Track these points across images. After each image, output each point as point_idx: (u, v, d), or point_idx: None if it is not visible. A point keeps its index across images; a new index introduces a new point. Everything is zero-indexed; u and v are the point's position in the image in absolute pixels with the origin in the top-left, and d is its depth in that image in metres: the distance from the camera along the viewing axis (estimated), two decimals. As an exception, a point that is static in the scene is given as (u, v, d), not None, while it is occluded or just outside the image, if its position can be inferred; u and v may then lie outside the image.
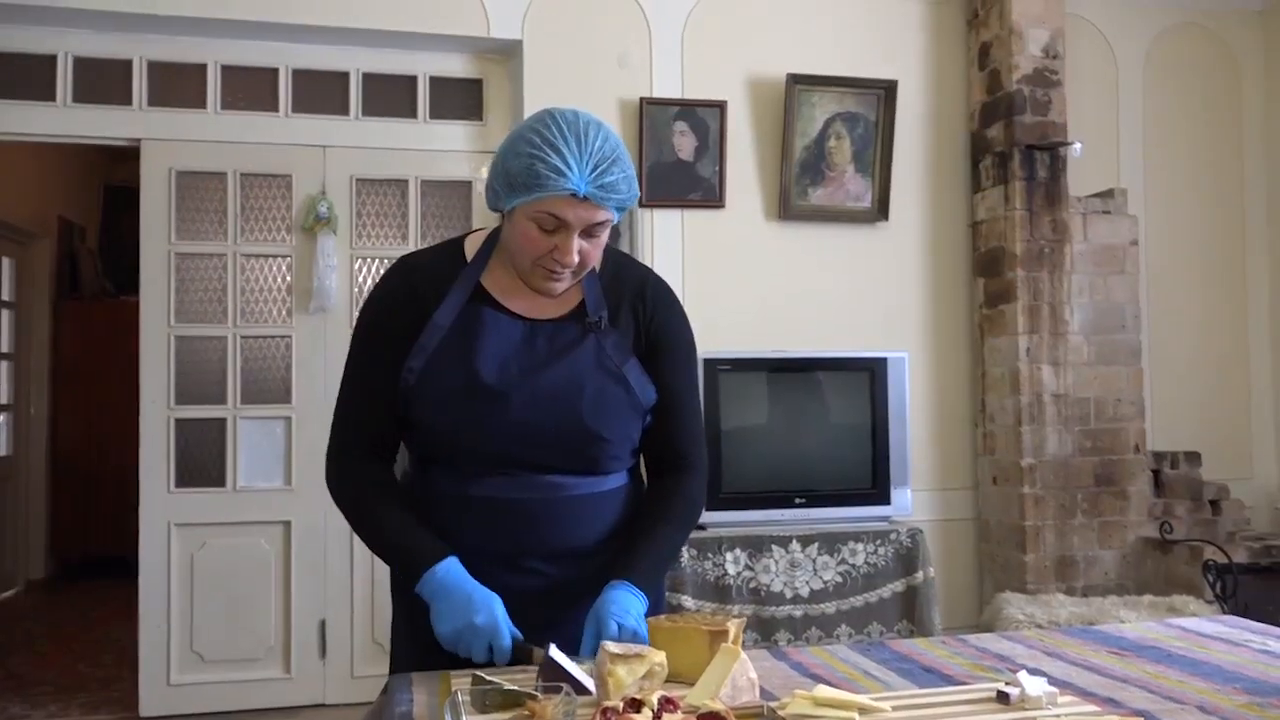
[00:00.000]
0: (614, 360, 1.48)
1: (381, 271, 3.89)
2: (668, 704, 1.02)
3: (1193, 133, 4.47)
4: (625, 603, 1.39)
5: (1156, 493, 4.07)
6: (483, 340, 1.45)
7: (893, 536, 3.52)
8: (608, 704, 1.02)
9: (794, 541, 3.45)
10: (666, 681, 1.23)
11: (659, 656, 1.22)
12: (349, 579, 3.79)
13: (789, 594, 3.43)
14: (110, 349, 5.94)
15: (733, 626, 1.30)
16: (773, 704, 1.18)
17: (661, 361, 1.52)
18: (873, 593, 3.49)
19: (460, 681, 1.29)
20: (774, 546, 3.44)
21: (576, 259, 1.41)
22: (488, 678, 1.17)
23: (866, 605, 3.48)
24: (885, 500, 3.63)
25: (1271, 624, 1.67)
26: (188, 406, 3.74)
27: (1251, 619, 1.73)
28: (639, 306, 1.52)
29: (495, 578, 1.43)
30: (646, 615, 1.40)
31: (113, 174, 6.83)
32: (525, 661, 1.36)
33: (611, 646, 1.19)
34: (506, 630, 1.37)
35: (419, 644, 1.46)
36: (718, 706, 1.02)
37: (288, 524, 3.77)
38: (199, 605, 3.69)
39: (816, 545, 3.47)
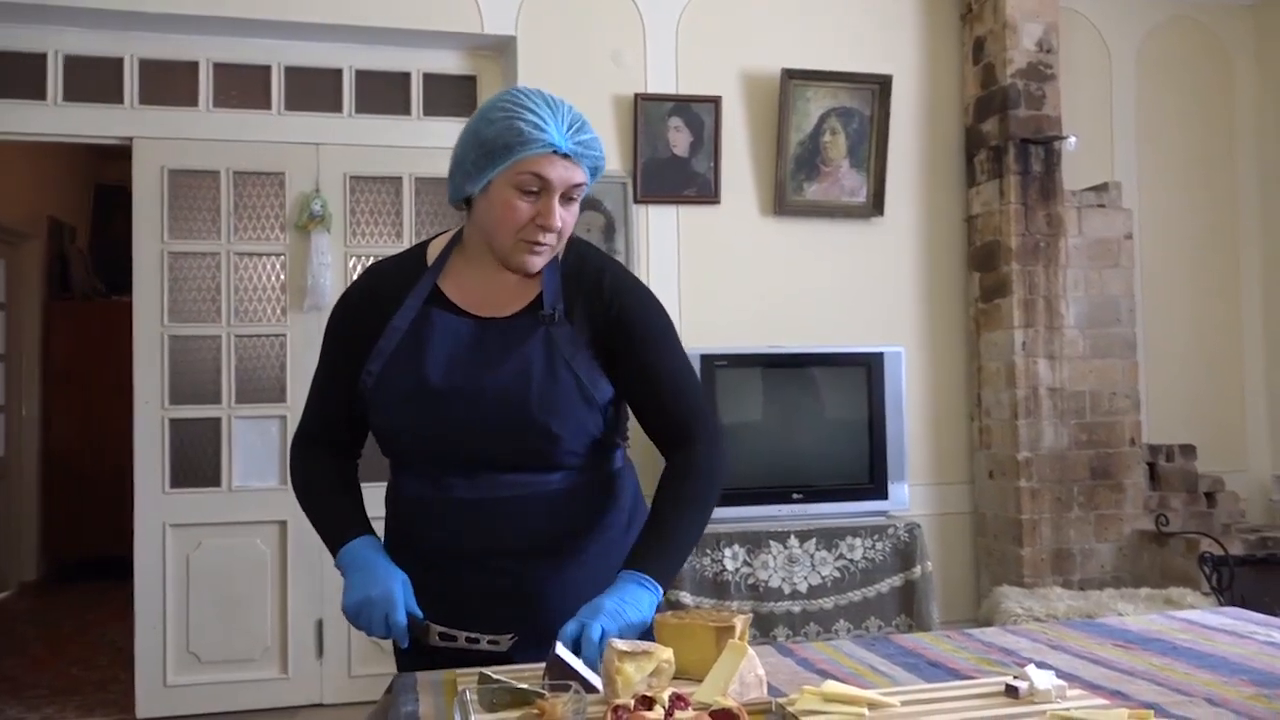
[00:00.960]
0: (565, 352, 1.47)
1: (376, 269, 3.89)
2: (679, 701, 1.01)
3: (1186, 126, 4.48)
4: (629, 598, 1.35)
5: (1152, 486, 4.08)
6: (432, 343, 1.47)
7: (890, 531, 3.52)
8: (619, 702, 1.01)
9: (792, 537, 3.45)
10: (673, 679, 1.23)
11: (666, 654, 1.21)
12: (345, 578, 3.77)
13: (787, 589, 3.43)
14: (102, 349, 5.92)
15: (739, 623, 1.30)
16: (781, 700, 1.18)
17: (634, 345, 1.50)
18: (871, 588, 3.49)
19: (466, 680, 1.28)
20: (772, 542, 3.44)
21: (559, 223, 1.42)
22: (494, 676, 1.16)
23: (865, 600, 3.48)
24: (883, 495, 3.63)
25: (1270, 615, 1.67)
26: (182, 406, 3.72)
27: (1248, 610, 1.74)
28: (596, 301, 1.50)
29: (463, 577, 1.47)
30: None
31: (103, 173, 6.79)
32: (423, 640, 1.40)
33: (619, 644, 1.19)
34: (401, 604, 1.40)
35: (422, 645, 1.46)
36: (730, 703, 1.01)
37: (283, 523, 3.75)
38: (195, 606, 3.67)
39: (815, 540, 3.47)
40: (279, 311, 3.81)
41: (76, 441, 6.20)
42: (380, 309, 1.50)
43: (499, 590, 1.48)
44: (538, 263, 1.46)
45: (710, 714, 0.98)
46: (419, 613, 1.42)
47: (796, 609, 3.43)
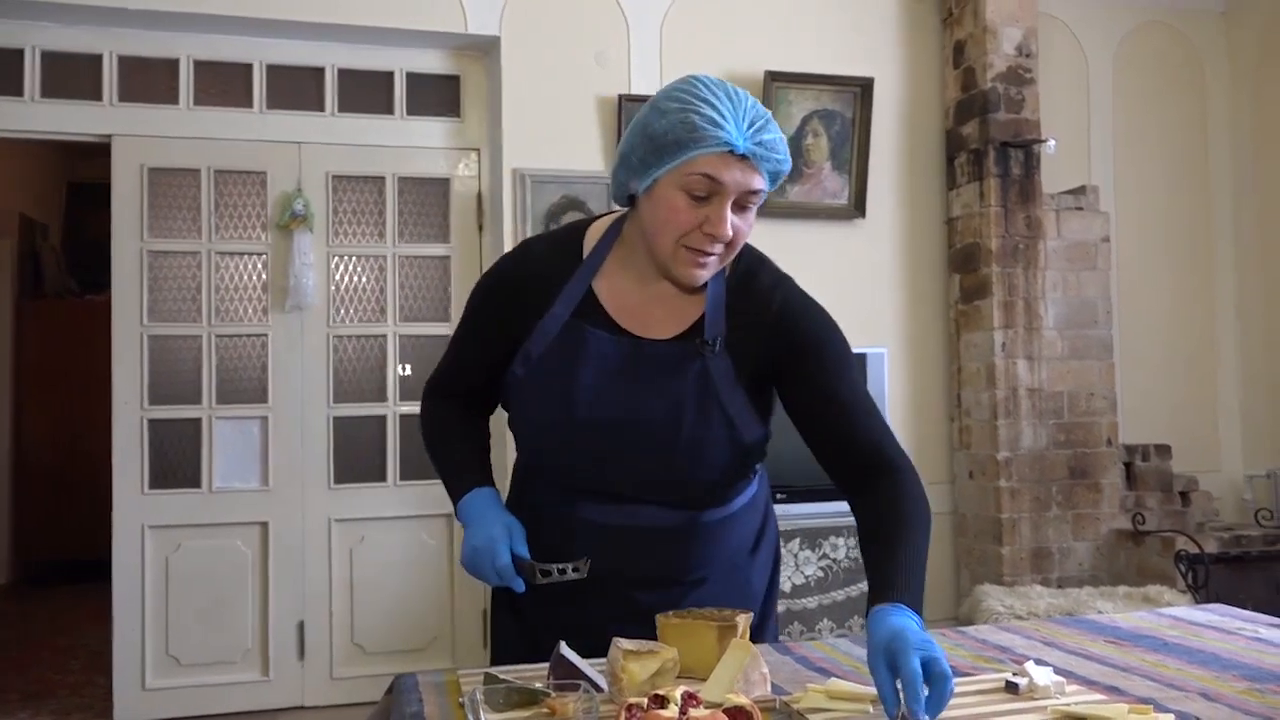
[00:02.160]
0: (720, 389, 1.35)
1: (360, 270, 3.87)
2: (691, 700, 1.02)
3: (1160, 130, 4.55)
4: (912, 631, 1.13)
5: (1128, 485, 4.14)
6: (582, 363, 1.37)
7: (873, 531, 3.55)
8: (633, 700, 1.01)
9: (776, 537, 3.47)
10: (677, 677, 1.23)
11: (671, 652, 1.22)
12: (327, 580, 3.76)
13: (772, 589, 3.44)
14: (76, 348, 5.84)
15: (741, 621, 1.30)
16: (786, 698, 1.19)
17: (815, 373, 1.37)
18: (854, 586, 3.52)
19: (470, 680, 1.28)
20: (756, 542, 3.45)
21: (730, 233, 1.27)
22: (501, 676, 1.17)
23: (848, 599, 3.51)
24: (866, 495, 3.65)
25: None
26: (162, 406, 3.68)
27: (1231, 607, 1.77)
28: (765, 326, 1.37)
29: (590, 606, 1.42)
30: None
31: (76, 171, 6.71)
32: (532, 581, 1.36)
33: (624, 643, 1.19)
34: (504, 548, 1.36)
35: (521, 631, 1.47)
36: (743, 701, 1.02)
37: (265, 525, 3.72)
38: (174, 608, 3.64)
39: (798, 540, 3.48)
40: (260, 311, 3.78)
41: (49, 442, 6.12)
42: (532, 299, 1.39)
43: (624, 615, 1.39)
44: (702, 275, 1.31)
45: (725, 712, 0.99)
46: (526, 554, 1.37)
47: (780, 608, 3.44)
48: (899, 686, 1.06)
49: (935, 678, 1.06)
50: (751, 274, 1.41)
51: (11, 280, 6.20)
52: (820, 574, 3.49)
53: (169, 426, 3.70)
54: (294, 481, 3.76)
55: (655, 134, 1.26)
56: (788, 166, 1.31)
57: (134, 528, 3.62)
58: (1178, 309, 4.52)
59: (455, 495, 1.46)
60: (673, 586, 1.45)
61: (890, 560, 1.25)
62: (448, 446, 1.52)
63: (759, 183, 1.27)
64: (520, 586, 1.37)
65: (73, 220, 6.83)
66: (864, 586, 3.61)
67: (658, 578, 1.45)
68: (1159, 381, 4.45)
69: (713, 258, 1.30)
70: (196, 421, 3.71)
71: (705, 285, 1.36)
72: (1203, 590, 3.65)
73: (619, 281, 1.40)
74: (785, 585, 3.46)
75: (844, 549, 3.51)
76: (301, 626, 3.73)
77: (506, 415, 1.51)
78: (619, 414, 1.36)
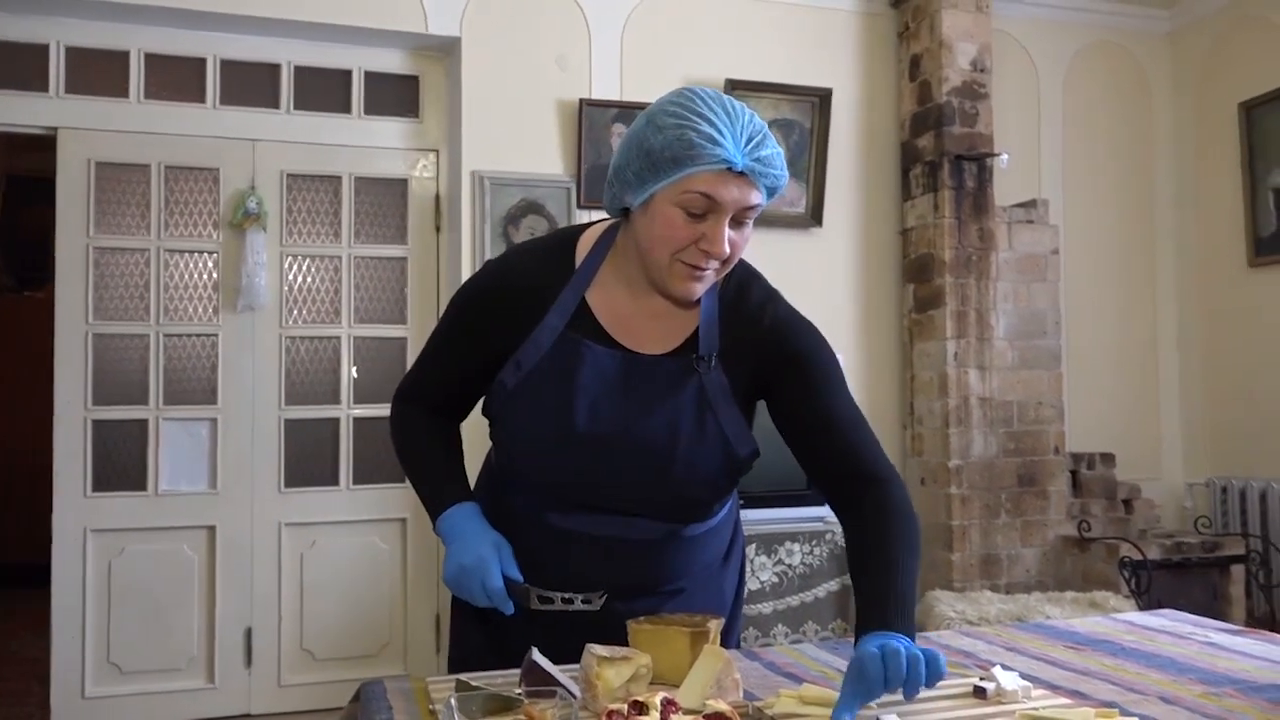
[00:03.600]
0: (715, 404, 1.35)
1: (314, 271, 3.81)
2: (670, 706, 1.02)
3: (1108, 146, 4.66)
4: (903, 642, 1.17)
5: (1074, 493, 4.23)
6: (578, 377, 1.35)
7: (828, 537, 3.58)
8: (613, 707, 1.01)
9: (732, 543, 3.48)
10: (650, 684, 1.23)
11: (645, 659, 1.22)
12: (276, 585, 3.69)
13: (727, 595, 3.45)
14: (14, 346, 5.67)
15: (712, 627, 1.31)
16: (758, 703, 1.19)
17: (807, 387, 1.38)
18: (808, 592, 3.54)
19: (439, 688, 1.26)
20: (713, 548, 3.46)
21: (726, 250, 1.26)
22: (473, 684, 1.15)
23: (802, 605, 3.53)
24: (821, 501, 3.66)
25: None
26: (106, 407, 3.59)
27: (1182, 612, 1.81)
28: (757, 340, 1.38)
29: (570, 615, 1.38)
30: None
31: (14, 164, 6.51)
32: (525, 604, 1.35)
33: (598, 649, 1.19)
34: (496, 569, 1.33)
35: (486, 636, 1.46)
36: (722, 707, 1.02)
37: (212, 529, 3.65)
38: (116, 614, 3.54)
39: (754, 546, 3.50)
40: (211, 311, 3.70)
41: (-16, 443, 5.93)
42: (523, 309, 1.37)
43: (602, 622, 1.38)
44: (698, 290, 1.30)
45: (704, 718, 0.99)
46: (518, 576, 1.35)
47: (736, 614, 3.45)
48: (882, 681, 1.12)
49: (924, 663, 1.14)
50: (744, 289, 1.41)
51: (-54, 275, 6.01)
52: (775, 579, 3.51)
53: (114, 428, 3.60)
54: (243, 484, 3.69)
55: (652, 149, 1.24)
56: (785, 181, 1.29)
57: (75, 531, 3.52)
58: (1122, 320, 4.64)
59: (435, 508, 1.42)
60: (650, 596, 1.45)
61: (884, 587, 1.24)
62: (425, 456, 1.49)
63: (756, 198, 1.26)
64: (510, 610, 1.35)
65: (11, 214, 6.63)
66: (818, 592, 3.64)
67: (637, 587, 1.44)
68: (1104, 391, 4.55)
69: (708, 272, 1.29)
70: (143, 423, 3.62)
71: (699, 300, 1.36)
72: (1145, 595, 3.74)
73: (613, 294, 1.39)
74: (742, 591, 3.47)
75: (799, 554, 3.54)
76: (249, 633, 3.65)
77: (488, 424, 1.48)
78: (615, 429, 1.35)
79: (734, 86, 3.98)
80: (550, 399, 1.36)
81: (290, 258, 3.78)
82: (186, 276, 3.70)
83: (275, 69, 3.77)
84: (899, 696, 1.16)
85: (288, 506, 3.72)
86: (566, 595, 1.35)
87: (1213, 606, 3.91)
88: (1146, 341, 4.68)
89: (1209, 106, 4.60)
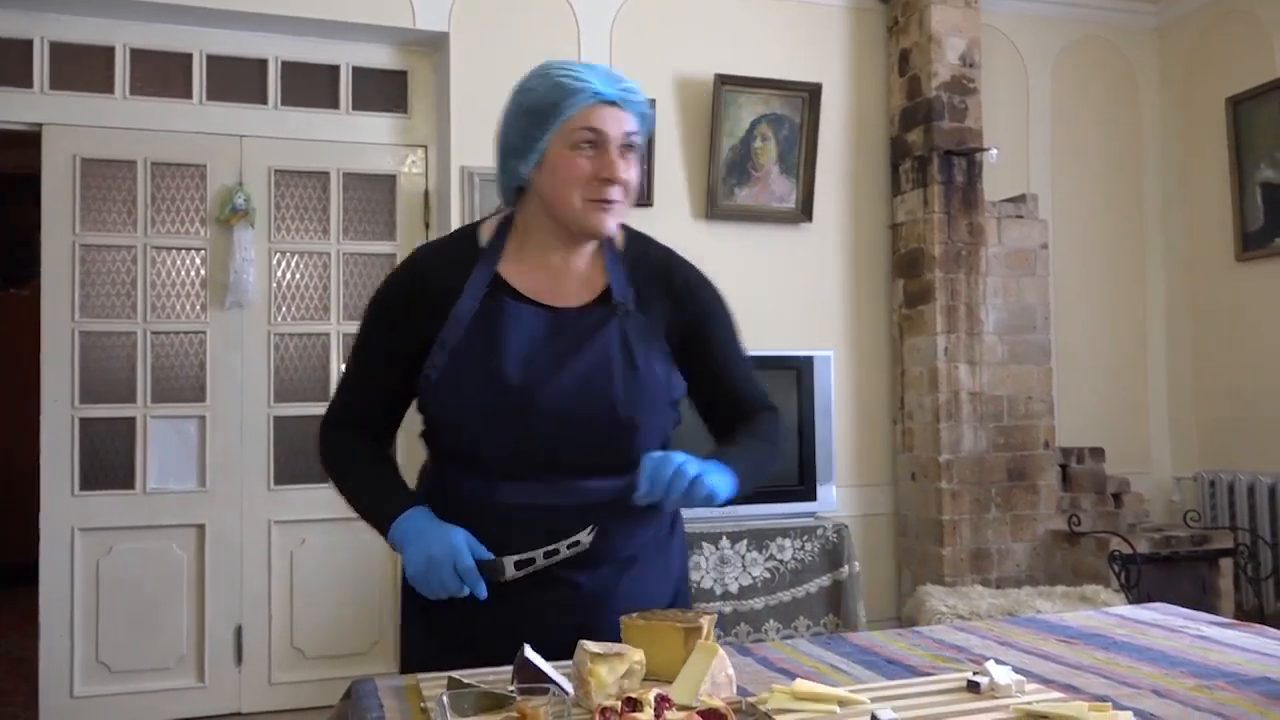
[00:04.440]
0: (640, 347, 1.44)
1: (303, 267, 3.79)
2: (664, 702, 1.01)
3: (1096, 141, 4.67)
4: (710, 465, 1.39)
5: (1064, 487, 4.24)
6: (506, 335, 1.41)
7: (819, 532, 3.58)
8: (606, 704, 1.00)
9: (724, 538, 3.48)
10: (643, 680, 1.23)
11: (638, 655, 1.21)
12: (266, 583, 3.68)
13: (719, 590, 3.46)
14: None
15: (705, 622, 1.30)
16: (751, 699, 1.19)
17: (713, 335, 1.53)
18: (800, 588, 3.54)
19: (431, 685, 1.26)
20: (704, 543, 3.46)
21: (624, 174, 1.39)
22: (465, 681, 1.14)
23: (794, 600, 3.53)
24: (812, 497, 3.69)
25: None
26: (94, 405, 3.56)
27: (1174, 606, 1.82)
28: (668, 290, 1.49)
29: (522, 588, 1.38)
30: (731, 501, 1.43)
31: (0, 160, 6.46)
32: (499, 579, 1.35)
33: (591, 646, 1.18)
34: (466, 551, 1.34)
35: (430, 643, 1.45)
36: (716, 703, 1.01)
37: (201, 527, 3.63)
38: (105, 613, 3.52)
39: (746, 542, 3.50)
40: (198, 308, 3.68)
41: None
42: (438, 296, 1.43)
43: (562, 602, 1.41)
44: (610, 221, 1.41)
45: (699, 714, 0.98)
46: (487, 555, 1.35)
47: (728, 609, 3.46)
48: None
49: (688, 480, 1.34)
50: (643, 249, 1.53)
51: (-70, 273, 5.96)
52: (767, 575, 3.51)
53: (101, 425, 3.58)
54: (232, 482, 3.67)
55: (531, 107, 1.38)
56: (652, 118, 1.49)
57: (63, 530, 3.50)
58: (1110, 315, 4.65)
59: (386, 517, 1.41)
60: (602, 566, 1.45)
61: (734, 446, 1.49)
62: (363, 474, 1.49)
63: (632, 124, 1.41)
64: (484, 591, 1.34)
65: (-4, 211, 6.58)
66: (810, 587, 3.64)
67: (591, 557, 1.42)
68: (1093, 386, 4.57)
69: (616, 203, 1.41)
70: (130, 421, 3.60)
71: (605, 262, 1.47)
72: (1135, 589, 3.76)
73: (523, 264, 1.47)
74: (732, 586, 3.47)
75: (790, 550, 3.54)
76: (239, 631, 3.64)
77: (423, 425, 1.49)
78: (551, 375, 1.40)
79: (724, 82, 3.97)
80: (482, 360, 1.40)
81: (278, 254, 3.76)
82: (174, 273, 3.67)
83: (262, 64, 3.75)
84: (891, 691, 1.15)
85: (277, 504, 3.70)
86: (548, 548, 1.35)
87: (1202, 600, 3.92)
88: (1135, 336, 4.70)
89: (1196, 101, 4.61)
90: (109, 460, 3.58)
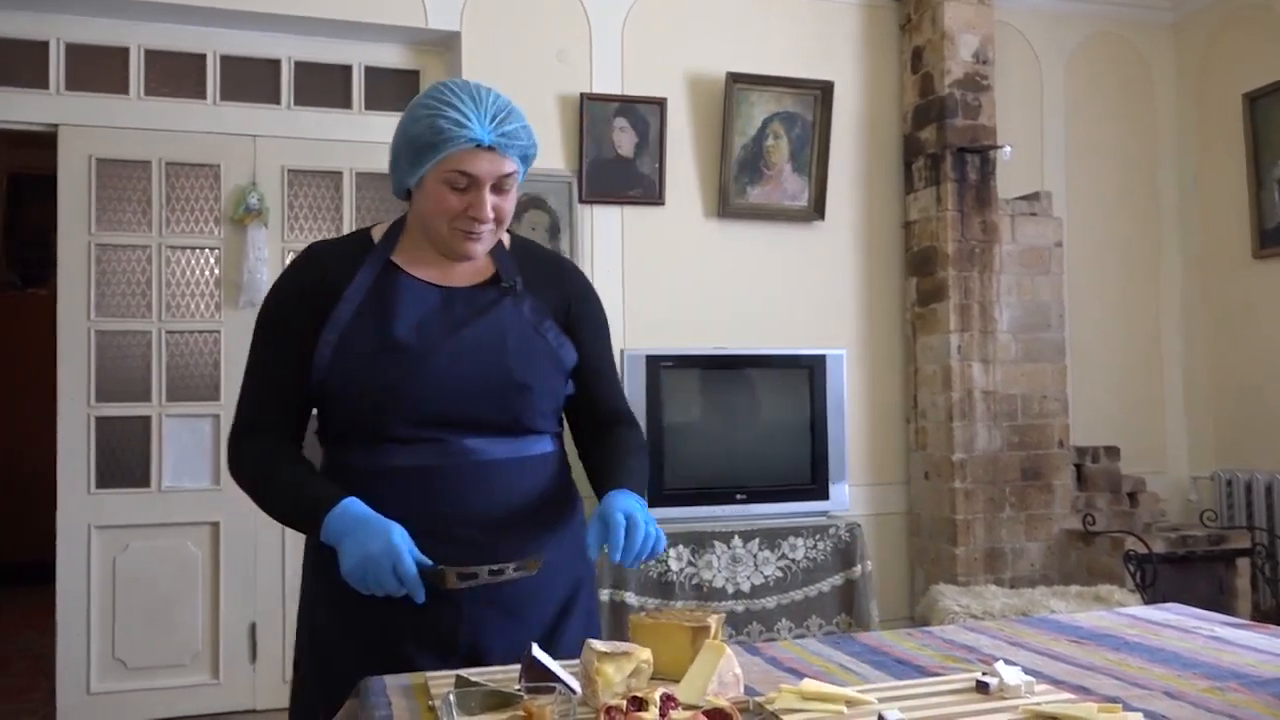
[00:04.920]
0: (532, 318, 1.51)
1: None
2: (670, 701, 1.01)
3: (1111, 138, 4.64)
4: (630, 500, 1.42)
5: (1078, 486, 4.21)
6: (399, 304, 1.46)
7: (832, 531, 3.58)
8: (612, 703, 1.00)
9: (735, 537, 3.48)
10: (650, 679, 1.23)
11: (645, 654, 1.21)
12: (280, 580, 3.69)
13: (731, 589, 3.45)
14: (17, 343, 5.67)
15: (713, 622, 1.30)
16: (759, 698, 1.18)
17: (584, 332, 1.57)
18: (812, 587, 3.54)
19: (439, 683, 1.26)
20: (716, 542, 3.46)
21: (492, 214, 1.44)
22: (473, 679, 1.15)
23: (806, 599, 3.53)
24: (824, 496, 3.68)
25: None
26: (109, 404, 3.59)
27: (1187, 606, 1.80)
28: (555, 282, 1.57)
29: (430, 550, 1.38)
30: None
31: (16, 161, 6.51)
32: (440, 587, 1.35)
33: (598, 645, 1.18)
34: (406, 553, 1.32)
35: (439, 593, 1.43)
36: (722, 703, 1.01)
37: (216, 525, 3.65)
38: (121, 610, 3.55)
39: (757, 540, 3.50)
40: (213, 307, 3.70)
41: (-12, 440, 5.93)
42: (329, 285, 1.47)
43: (464, 559, 1.39)
44: (477, 249, 1.48)
45: (704, 714, 0.98)
46: (426, 560, 1.35)
47: (740, 608, 3.45)
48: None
49: (633, 527, 1.36)
50: (529, 247, 1.61)
51: (-51, 273, 6.01)
52: (779, 574, 3.50)
53: (117, 424, 3.61)
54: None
55: (412, 138, 1.42)
56: (535, 150, 1.48)
57: (80, 528, 3.53)
58: (1126, 313, 4.62)
59: (317, 514, 1.38)
60: (512, 529, 1.47)
61: (618, 466, 1.51)
62: (284, 478, 1.45)
63: (510, 166, 1.44)
64: (421, 597, 1.35)
65: (13, 212, 6.64)
66: (822, 587, 3.63)
67: (500, 517, 1.46)
68: (1108, 384, 4.54)
69: (484, 232, 1.46)
70: (145, 419, 3.63)
71: (493, 254, 1.53)
72: (1150, 589, 3.73)
73: (415, 254, 1.52)
74: (744, 585, 3.47)
75: (803, 549, 3.53)
76: (253, 628, 3.66)
77: (315, 411, 1.51)
78: (444, 343, 1.45)
79: (735, 80, 3.97)
80: (375, 324, 1.45)
81: (292, 253, 3.77)
82: (188, 273, 3.70)
83: (275, 64, 3.77)
84: (899, 691, 1.15)
85: (291, 502, 3.71)
86: (495, 566, 1.35)
87: (1218, 600, 3.89)
88: (1151, 334, 4.67)
89: (1212, 98, 4.58)
90: (124, 458, 3.61)
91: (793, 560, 3.52)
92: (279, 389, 1.49)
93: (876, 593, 3.66)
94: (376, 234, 1.55)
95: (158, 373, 3.64)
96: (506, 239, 1.57)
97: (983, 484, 4.01)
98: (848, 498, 3.75)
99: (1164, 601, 2.17)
